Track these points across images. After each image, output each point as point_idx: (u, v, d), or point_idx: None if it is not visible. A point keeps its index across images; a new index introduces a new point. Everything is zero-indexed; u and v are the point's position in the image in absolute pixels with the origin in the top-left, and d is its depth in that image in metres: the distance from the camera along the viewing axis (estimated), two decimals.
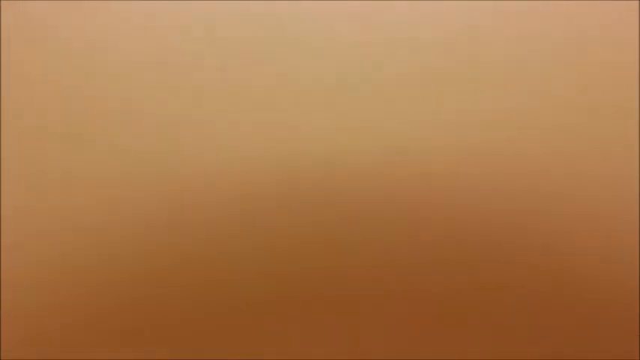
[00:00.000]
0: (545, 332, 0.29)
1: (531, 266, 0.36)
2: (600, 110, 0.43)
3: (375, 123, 0.35)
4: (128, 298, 0.31)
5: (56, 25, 0.35)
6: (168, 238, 0.38)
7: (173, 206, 0.39)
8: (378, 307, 0.31)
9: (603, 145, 0.43)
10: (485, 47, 0.37)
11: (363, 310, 0.31)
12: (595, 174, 0.44)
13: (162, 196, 0.41)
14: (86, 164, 0.37)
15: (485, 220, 0.40)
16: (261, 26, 0.35)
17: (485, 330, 0.29)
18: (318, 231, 0.35)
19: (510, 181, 0.42)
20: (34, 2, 0.36)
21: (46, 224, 0.40)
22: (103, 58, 0.34)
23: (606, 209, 0.41)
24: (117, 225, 0.40)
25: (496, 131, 0.39)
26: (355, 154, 0.34)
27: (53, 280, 0.33)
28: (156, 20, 0.35)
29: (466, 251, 0.37)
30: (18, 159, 0.36)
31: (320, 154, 0.35)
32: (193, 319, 0.31)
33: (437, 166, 0.37)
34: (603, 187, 0.43)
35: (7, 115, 0.35)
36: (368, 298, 0.32)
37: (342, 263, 0.33)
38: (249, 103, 0.35)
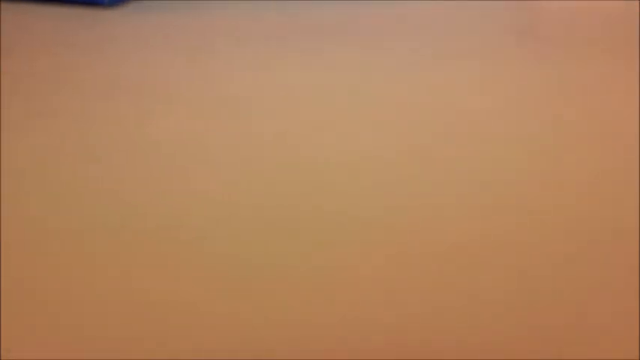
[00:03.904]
0: (545, 332, 0.29)
1: (531, 266, 0.36)
2: (599, 110, 0.43)
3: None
4: (127, 299, 0.31)
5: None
6: (168, 245, 0.38)
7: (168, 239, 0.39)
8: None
9: (603, 146, 0.43)
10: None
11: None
12: (595, 176, 0.44)
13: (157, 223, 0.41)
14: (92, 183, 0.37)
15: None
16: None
17: (478, 333, 0.29)
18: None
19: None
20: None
21: (45, 226, 0.40)
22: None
23: (606, 210, 0.41)
24: (117, 230, 0.40)
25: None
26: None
27: (53, 281, 0.33)
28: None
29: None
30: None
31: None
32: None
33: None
34: (603, 190, 0.43)
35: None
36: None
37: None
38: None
